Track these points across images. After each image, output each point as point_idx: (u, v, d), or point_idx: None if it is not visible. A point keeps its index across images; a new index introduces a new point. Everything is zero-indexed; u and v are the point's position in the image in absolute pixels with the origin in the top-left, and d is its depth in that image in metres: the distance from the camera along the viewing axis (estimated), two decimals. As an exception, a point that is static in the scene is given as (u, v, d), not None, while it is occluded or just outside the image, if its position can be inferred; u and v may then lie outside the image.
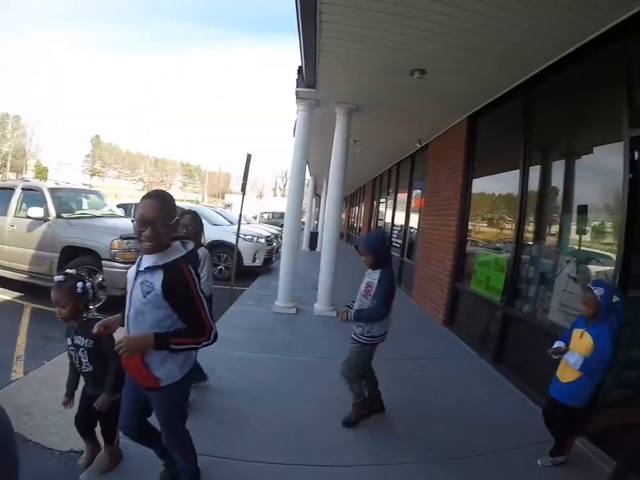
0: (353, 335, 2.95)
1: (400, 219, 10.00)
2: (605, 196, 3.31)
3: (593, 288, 2.47)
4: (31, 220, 6.15)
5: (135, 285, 1.78)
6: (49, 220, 6.08)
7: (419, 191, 8.53)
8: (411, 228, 8.95)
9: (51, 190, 6.51)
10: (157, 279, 1.72)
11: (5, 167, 68.90)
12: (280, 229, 13.70)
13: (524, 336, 3.99)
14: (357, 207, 20.79)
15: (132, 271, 1.84)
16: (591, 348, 2.38)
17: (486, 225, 5.71)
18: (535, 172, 4.22)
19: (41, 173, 67.72)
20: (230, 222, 10.18)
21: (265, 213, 27.87)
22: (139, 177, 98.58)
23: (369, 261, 2.93)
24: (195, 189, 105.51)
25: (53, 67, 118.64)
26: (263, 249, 9.44)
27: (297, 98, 5.91)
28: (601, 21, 3.03)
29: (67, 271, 2.30)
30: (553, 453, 2.60)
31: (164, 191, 1.94)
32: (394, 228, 10.67)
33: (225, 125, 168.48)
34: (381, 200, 13.33)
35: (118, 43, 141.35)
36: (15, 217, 6.35)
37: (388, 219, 11.56)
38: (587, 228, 3.48)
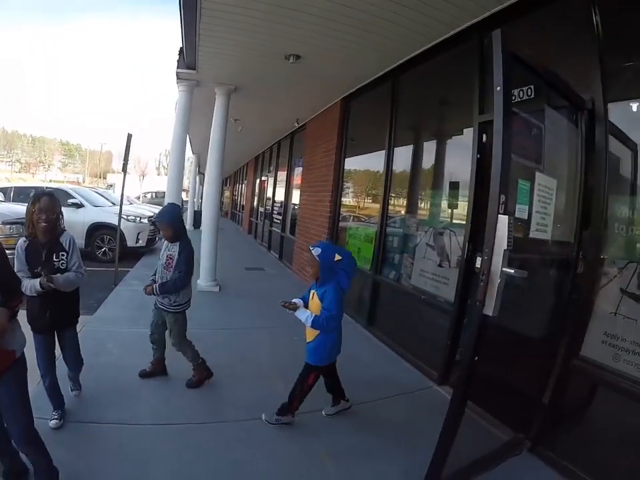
0: (161, 307, 3.08)
1: (280, 195, 10.20)
2: (459, 174, 3.80)
3: (311, 248, 2.64)
4: None
5: None
6: None
7: (297, 169, 8.78)
8: (291, 204, 9.22)
9: None
10: None
11: None
12: (163, 208, 13.08)
13: (391, 300, 4.49)
14: (240, 185, 20.52)
15: None
16: (319, 307, 2.58)
17: (357, 200, 6.16)
18: (399, 151, 4.68)
19: None
20: (112, 203, 9.48)
21: (149, 192, 26.24)
22: (15, 157, 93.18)
23: (168, 234, 3.05)
24: (76, 169, 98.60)
25: None
26: (146, 229, 9.05)
27: (177, 79, 5.79)
28: (462, 18, 3.39)
29: None
30: (281, 410, 2.66)
31: None
32: (275, 204, 10.85)
33: (106, 101, 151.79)
34: (263, 177, 13.38)
35: None
36: None
37: (269, 196, 11.70)
38: (444, 202, 4.00)
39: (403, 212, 4.67)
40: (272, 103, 7.04)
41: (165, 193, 20.69)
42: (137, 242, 8.76)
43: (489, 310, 1.75)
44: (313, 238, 6.68)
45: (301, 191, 8.11)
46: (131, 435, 2.46)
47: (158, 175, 65.93)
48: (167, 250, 3.08)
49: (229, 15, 3.67)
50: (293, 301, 2.66)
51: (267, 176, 12.51)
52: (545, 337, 2.57)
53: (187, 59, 5.16)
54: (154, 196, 25.47)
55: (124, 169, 6.58)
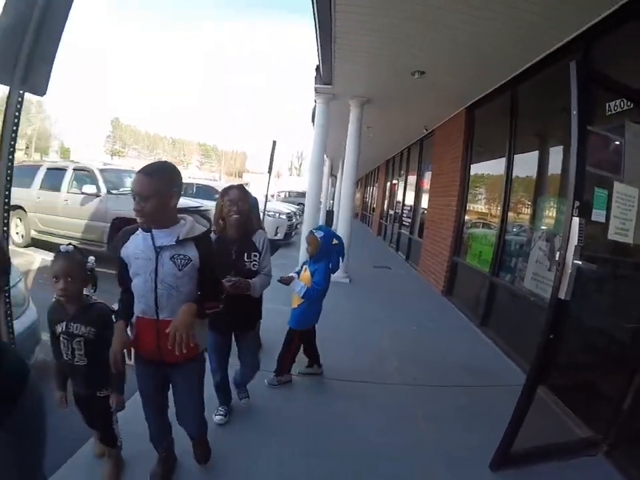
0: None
1: (410, 199, 10.57)
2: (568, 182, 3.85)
3: (314, 231, 3.08)
4: (84, 195, 7.12)
5: (160, 262, 1.73)
6: (100, 196, 7.02)
7: (426, 174, 9.09)
8: (420, 208, 9.54)
9: (101, 170, 7.46)
10: (191, 251, 1.75)
11: (30, 148, 70.40)
12: (297, 206, 14.47)
13: (505, 301, 4.66)
14: (371, 188, 21.30)
15: (141, 251, 1.75)
16: (309, 280, 3.00)
17: (480, 205, 6.29)
18: (518, 159, 4.80)
19: (64, 153, 70.59)
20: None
21: (282, 192, 28.57)
22: (157, 157, 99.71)
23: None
24: (212, 168, 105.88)
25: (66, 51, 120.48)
26: (284, 224, 10.38)
27: (315, 93, 6.65)
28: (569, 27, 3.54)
29: (72, 243, 1.97)
30: (276, 372, 3.13)
31: (160, 164, 1.82)
32: (404, 208, 11.24)
33: (240, 106, 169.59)
34: (393, 181, 13.87)
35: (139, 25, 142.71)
36: (67, 193, 7.37)
37: (399, 199, 12.14)
38: (555, 207, 4.06)
39: (520, 217, 4.78)
40: (400, 113, 7.58)
41: (297, 192, 22.15)
42: (275, 235, 9.96)
43: (562, 294, 2.06)
44: (439, 241, 7.00)
45: (429, 195, 8.42)
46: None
47: (290, 175, 70.31)
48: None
49: (358, 40, 4.34)
50: (289, 274, 3.12)
51: (398, 180, 12.95)
52: (632, 341, 2.63)
53: (324, 76, 5.97)
54: (287, 195, 27.61)
55: (269, 171, 7.99)
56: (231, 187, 2.43)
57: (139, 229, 1.78)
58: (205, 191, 10.50)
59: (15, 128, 1.98)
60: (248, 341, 2.61)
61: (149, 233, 1.75)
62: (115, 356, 1.73)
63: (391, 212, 13.48)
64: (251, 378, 2.76)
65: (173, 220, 1.77)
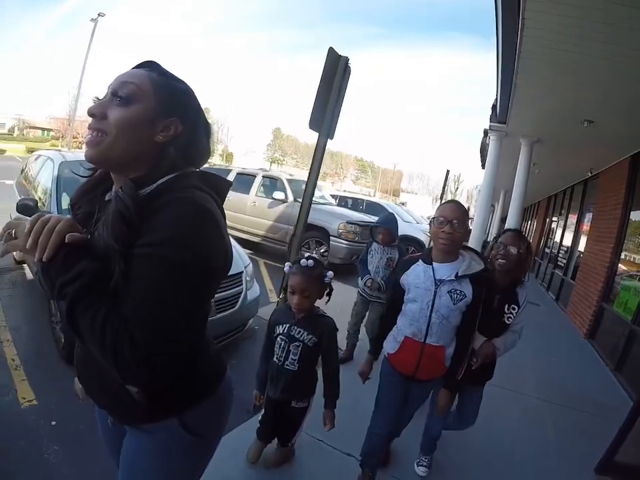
0: (374, 299, 3.78)
1: (568, 240, 10.27)
2: None
3: None
4: (272, 200, 8.43)
5: (438, 294, 1.88)
6: (286, 202, 8.30)
7: (587, 215, 8.90)
8: (576, 250, 9.29)
9: (288, 180, 8.80)
10: (467, 288, 1.87)
11: None
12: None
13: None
14: (527, 222, 20.36)
15: (421, 281, 1.93)
16: None
17: (635, 255, 6.20)
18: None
19: (227, 157, 78.03)
20: (415, 220, 11.38)
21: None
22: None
23: (387, 238, 3.69)
24: (367, 183, 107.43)
25: (237, 66, 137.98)
26: None
27: (489, 130, 7.39)
28: None
29: (312, 255, 2.06)
30: None
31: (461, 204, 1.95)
32: (561, 248, 10.93)
33: (399, 125, 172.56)
34: (553, 219, 13.39)
35: (294, 45, 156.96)
36: (255, 196, 8.78)
37: (557, 238, 11.76)
38: None
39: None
40: (567, 154, 7.76)
41: None
42: None
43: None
44: (590, 285, 7.01)
45: (587, 238, 8.30)
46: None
47: (444, 198, 68.06)
48: (387, 253, 3.70)
49: (534, 90, 4.92)
50: None
51: (558, 218, 12.50)
52: None
53: (499, 116, 6.66)
54: None
55: (441, 197, 8.89)
56: (507, 230, 2.32)
57: (420, 260, 1.99)
58: (372, 207, 11.41)
59: (319, 164, 3.21)
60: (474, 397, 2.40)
61: (430, 266, 1.94)
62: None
63: (547, 250, 13.04)
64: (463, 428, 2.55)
65: (456, 254, 1.94)
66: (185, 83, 1.00)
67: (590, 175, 8.48)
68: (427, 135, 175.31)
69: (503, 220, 16.42)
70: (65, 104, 51.77)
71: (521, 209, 7.81)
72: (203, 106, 1.07)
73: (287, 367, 1.95)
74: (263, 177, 9.09)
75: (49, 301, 3.60)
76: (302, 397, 2.07)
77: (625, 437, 2.80)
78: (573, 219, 10.35)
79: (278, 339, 1.97)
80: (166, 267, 0.81)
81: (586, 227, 8.75)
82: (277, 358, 1.97)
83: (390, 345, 2.08)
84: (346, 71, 3.20)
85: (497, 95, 5.88)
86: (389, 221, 3.81)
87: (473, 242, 7.54)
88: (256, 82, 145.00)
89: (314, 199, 8.80)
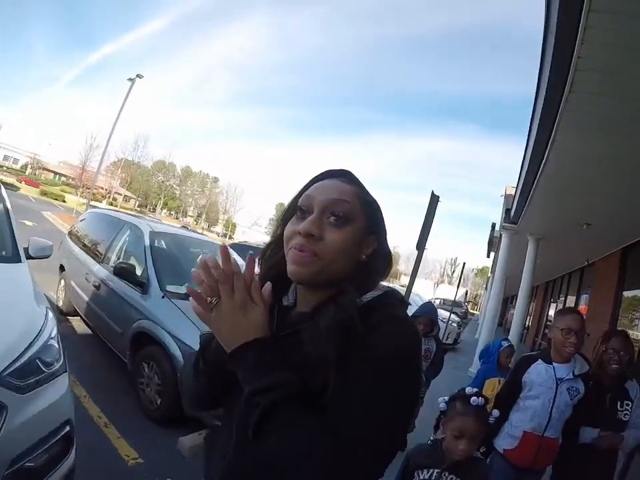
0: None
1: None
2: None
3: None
4: None
5: (559, 391, 2.14)
6: None
7: (583, 298, 10.34)
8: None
9: None
10: (580, 385, 2.15)
11: (201, 217, 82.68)
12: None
13: None
14: (528, 305, 21.73)
15: (543, 380, 2.18)
16: None
17: (630, 331, 7.42)
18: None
19: (231, 227, 79.93)
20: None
21: (437, 298, 29.67)
22: None
23: (427, 329, 3.56)
24: None
25: (243, 139, 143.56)
26: (454, 331, 12.20)
27: (503, 229, 9.20)
28: None
29: (474, 391, 1.80)
30: None
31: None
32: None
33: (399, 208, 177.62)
34: (552, 302, 14.84)
35: (298, 124, 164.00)
36: None
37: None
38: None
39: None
40: (566, 249, 9.45)
41: (452, 301, 22.34)
42: (446, 339, 11.37)
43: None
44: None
45: (585, 319, 9.58)
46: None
47: (449, 283, 69.44)
48: (424, 344, 3.44)
49: (547, 199, 6.40)
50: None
51: (557, 302, 13.92)
52: None
53: (512, 218, 8.39)
54: (442, 302, 28.57)
55: (457, 284, 10.22)
56: (615, 332, 2.61)
57: (539, 359, 2.25)
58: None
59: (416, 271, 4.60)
60: None
61: (550, 365, 2.19)
62: None
63: (547, 331, 14.23)
64: None
65: (571, 357, 2.15)
66: (373, 196, 0.93)
67: (587, 263, 10.05)
68: (419, 217, 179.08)
69: (505, 300, 17.78)
70: (79, 151, 53.77)
71: (527, 299, 9.64)
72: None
73: None
74: None
75: (132, 363, 3.78)
76: None
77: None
78: (571, 301, 11.76)
79: None
80: (392, 385, 0.74)
81: (582, 309, 10.11)
82: None
83: (506, 442, 2.24)
84: (436, 202, 4.60)
85: (512, 204, 7.66)
86: (429, 311, 3.70)
87: (489, 326, 8.95)
88: (260, 156, 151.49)
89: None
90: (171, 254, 4.78)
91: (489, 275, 19.85)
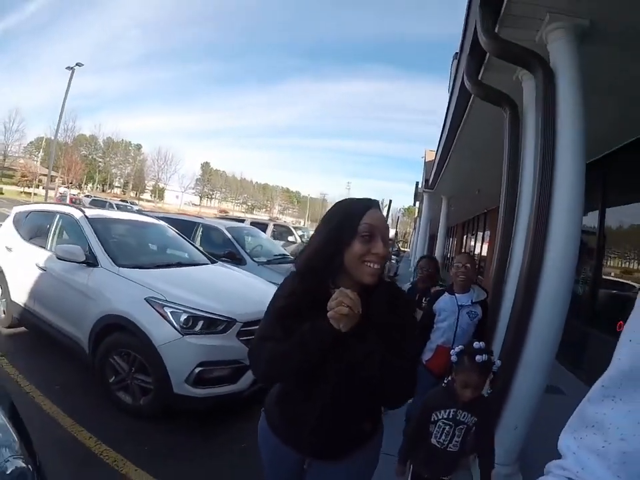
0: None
1: (478, 250, 15.39)
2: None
3: None
4: (284, 242, 11.44)
5: (461, 314, 2.64)
6: (296, 243, 11.80)
7: (487, 235, 14.03)
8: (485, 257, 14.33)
9: (295, 228, 12.45)
10: (478, 310, 2.68)
11: (127, 186, 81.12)
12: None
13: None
14: (450, 238, 26.27)
15: (450, 305, 2.67)
16: None
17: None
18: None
19: (159, 193, 78.44)
20: None
21: None
22: (242, 200, 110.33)
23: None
24: (294, 213, 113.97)
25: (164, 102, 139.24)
26: (395, 266, 14.84)
27: (423, 191, 12.81)
28: None
29: (480, 345, 1.91)
30: None
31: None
32: (475, 255, 15.59)
33: (326, 156, 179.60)
34: (469, 236, 18.82)
35: (217, 78, 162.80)
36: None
37: (472, 248, 16.81)
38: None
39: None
40: (470, 202, 12.99)
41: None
42: (387, 272, 14.38)
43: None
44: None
45: (487, 248, 13.38)
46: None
47: None
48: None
49: (452, 176, 9.69)
50: None
51: (471, 237, 17.75)
52: None
53: (430, 185, 11.84)
54: None
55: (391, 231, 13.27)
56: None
57: (446, 292, 2.77)
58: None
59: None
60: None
61: (453, 296, 2.69)
62: None
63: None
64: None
65: (464, 285, 2.72)
66: None
67: (485, 211, 13.76)
68: (351, 162, 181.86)
69: (432, 237, 21.45)
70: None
71: (445, 230, 13.38)
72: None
73: (450, 449, 1.93)
74: (274, 225, 11.85)
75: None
76: (452, 471, 2.07)
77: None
78: (480, 236, 15.53)
79: (439, 423, 1.93)
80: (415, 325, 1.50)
81: (487, 242, 13.85)
82: (437, 441, 1.94)
83: (427, 355, 2.76)
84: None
85: (430, 175, 10.99)
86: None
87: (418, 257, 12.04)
88: (181, 113, 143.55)
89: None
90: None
91: (416, 216, 22.72)
